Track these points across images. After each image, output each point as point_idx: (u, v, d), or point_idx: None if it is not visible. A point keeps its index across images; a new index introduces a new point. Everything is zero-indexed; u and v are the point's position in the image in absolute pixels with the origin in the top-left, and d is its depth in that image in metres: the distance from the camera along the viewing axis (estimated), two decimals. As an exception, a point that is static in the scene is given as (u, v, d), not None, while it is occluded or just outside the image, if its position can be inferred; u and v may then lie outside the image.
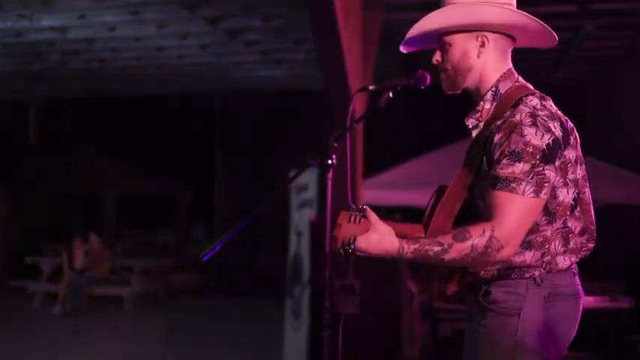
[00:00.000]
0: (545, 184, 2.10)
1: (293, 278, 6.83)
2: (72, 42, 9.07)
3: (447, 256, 2.09)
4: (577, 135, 2.24)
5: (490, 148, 2.15)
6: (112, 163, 15.44)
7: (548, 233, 2.17)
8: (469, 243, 2.08)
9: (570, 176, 2.17)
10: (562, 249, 2.19)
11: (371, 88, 2.45)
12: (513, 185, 2.08)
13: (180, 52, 9.60)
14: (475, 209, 2.22)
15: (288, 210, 7.06)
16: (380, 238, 2.13)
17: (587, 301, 5.28)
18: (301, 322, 6.52)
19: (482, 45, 2.28)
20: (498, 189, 2.10)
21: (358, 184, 6.56)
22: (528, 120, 2.11)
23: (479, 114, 2.28)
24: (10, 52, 9.60)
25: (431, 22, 2.30)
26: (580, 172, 2.22)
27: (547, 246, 2.17)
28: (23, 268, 12.31)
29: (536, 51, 2.48)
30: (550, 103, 2.22)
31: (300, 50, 9.25)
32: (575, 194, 2.19)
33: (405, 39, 2.39)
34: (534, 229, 2.15)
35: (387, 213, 2.26)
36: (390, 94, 2.37)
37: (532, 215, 2.12)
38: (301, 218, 6.81)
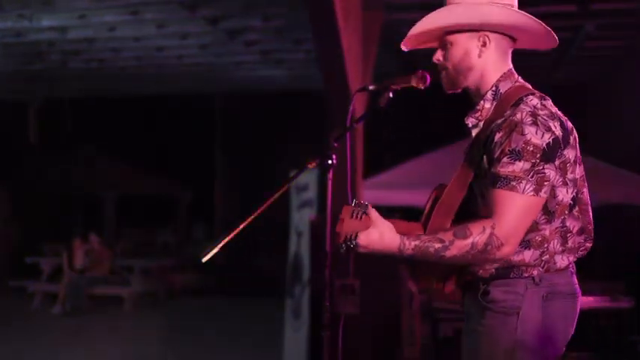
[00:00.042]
0: (545, 183, 2.11)
1: (293, 278, 6.83)
2: (72, 42, 9.07)
3: (448, 253, 2.10)
4: (576, 135, 2.25)
5: (491, 147, 2.16)
6: (112, 163, 15.44)
7: (547, 232, 2.18)
8: (470, 240, 2.09)
9: (569, 176, 2.19)
10: (560, 248, 2.20)
11: (371, 88, 2.46)
12: (514, 184, 2.09)
13: (180, 52, 9.60)
14: (474, 208, 2.23)
15: (289, 210, 7.06)
16: (381, 234, 2.14)
17: (587, 301, 5.28)
18: (301, 322, 6.52)
19: (484, 45, 2.29)
20: (499, 187, 2.11)
21: (358, 184, 6.56)
22: (529, 119, 2.12)
23: (479, 113, 2.30)
24: (10, 52, 9.60)
25: (433, 20, 2.31)
26: (579, 172, 2.24)
27: (546, 245, 2.18)
28: (23, 268, 12.31)
29: (536, 51, 2.48)
30: (550, 103, 2.23)
31: (300, 50, 9.25)
32: (573, 194, 2.21)
33: (407, 37, 2.40)
34: (533, 228, 2.16)
35: (387, 213, 2.25)
36: (390, 94, 2.38)
37: (532, 213, 2.13)
38: (301, 218, 6.81)
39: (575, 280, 2.26)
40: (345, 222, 2.14)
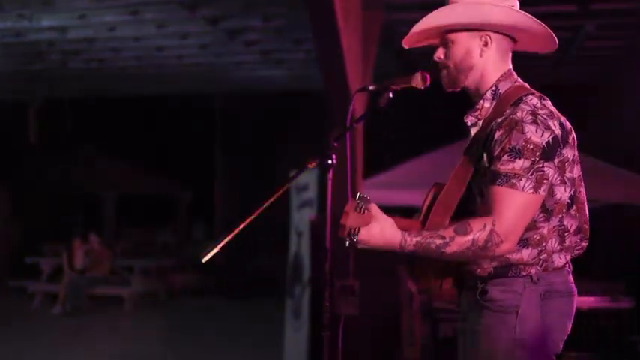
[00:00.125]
0: (545, 181, 2.13)
1: (293, 278, 6.83)
2: (72, 42, 9.07)
3: (449, 249, 2.11)
4: (575, 135, 2.27)
5: (490, 145, 2.18)
6: (112, 163, 15.43)
7: (545, 231, 2.19)
8: (470, 237, 2.10)
9: (568, 175, 2.20)
10: (558, 247, 2.21)
11: (371, 88, 2.46)
12: (513, 181, 2.11)
13: (180, 52, 9.60)
14: (472, 207, 2.24)
15: (289, 210, 7.06)
16: (382, 230, 2.14)
17: (587, 301, 5.28)
18: (301, 322, 6.53)
19: (485, 45, 2.31)
20: (498, 184, 2.13)
21: (358, 184, 6.56)
22: (529, 118, 2.14)
23: (478, 112, 2.32)
24: (10, 52, 9.60)
25: (434, 19, 2.33)
26: (576, 171, 2.26)
27: (544, 244, 2.19)
28: (23, 268, 12.32)
29: (536, 54, 2.49)
30: (549, 103, 2.25)
31: (300, 50, 9.25)
32: (571, 193, 2.23)
33: (409, 35, 2.41)
34: (531, 226, 2.17)
35: (387, 213, 2.25)
36: (390, 94, 2.38)
37: (531, 211, 2.15)
38: (301, 218, 6.82)
39: (572, 279, 2.27)
40: (350, 215, 2.14)
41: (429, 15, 2.33)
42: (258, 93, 12.63)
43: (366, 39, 6.74)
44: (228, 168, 14.37)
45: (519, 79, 2.33)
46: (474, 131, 2.32)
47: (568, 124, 2.25)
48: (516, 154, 2.11)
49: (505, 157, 2.12)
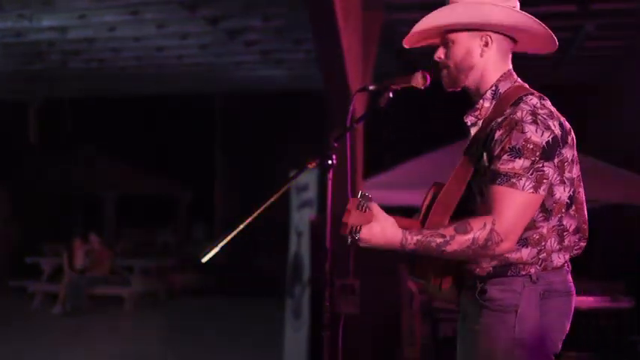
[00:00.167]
0: (544, 181, 2.14)
1: (293, 278, 6.83)
2: (72, 42, 9.07)
3: (449, 248, 2.11)
4: (574, 135, 2.28)
5: (491, 145, 2.18)
6: (112, 163, 15.43)
7: (544, 230, 2.20)
8: (470, 236, 2.10)
9: (567, 175, 2.21)
10: (557, 246, 2.22)
11: (371, 88, 2.46)
12: (513, 180, 2.12)
13: (181, 52, 9.61)
14: (472, 206, 2.25)
15: (289, 210, 7.06)
16: (382, 229, 2.14)
17: (587, 301, 5.28)
18: (301, 322, 6.53)
19: (486, 45, 2.32)
20: (498, 184, 2.13)
21: (358, 184, 6.56)
22: (529, 118, 2.15)
23: (477, 112, 2.32)
24: (10, 52, 9.61)
25: (435, 19, 2.33)
26: (576, 171, 2.26)
27: (543, 243, 2.20)
28: (23, 268, 12.32)
29: (535, 54, 2.50)
30: (549, 103, 2.26)
31: (300, 50, 9.25)
32: (570, 192, 2.23)
33: (409, 34, 2.42)
34: (531, 226, 2.18)
35: (387, 212, 2.25)
36: (390, 94, 2.38)
37: (531, 210, 2.15)
38: (301, 218, 6.82)
39: (570, 279, 2.28)
40: (352, 213, 2.14)
41: (429, 15, 2.34)
42: (258, 93, 12.64)
43: (366, 39, 6.74)
44: (228, 168, 14.37)
45: (519, 79, 2.34)
46: (473, 131, 2.33)
47: (567, 125, 2.26)
48: (516, 153, 2.12)
49: (505, 157, 2.13)
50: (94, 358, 7.77)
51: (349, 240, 2.15)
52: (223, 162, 14.48)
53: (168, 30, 8.42)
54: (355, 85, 6.16)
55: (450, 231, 2.12)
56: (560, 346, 2.26)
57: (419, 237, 2.13)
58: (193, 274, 12.96)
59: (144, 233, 15.33)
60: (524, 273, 2.19)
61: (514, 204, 2.11)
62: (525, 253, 2.19)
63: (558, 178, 2.18)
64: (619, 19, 7.69)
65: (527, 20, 2.28)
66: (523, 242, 2.18)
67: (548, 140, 2.13)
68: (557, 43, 2.36)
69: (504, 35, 2.33)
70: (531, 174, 2.12)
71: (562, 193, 2.20)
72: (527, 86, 2.32)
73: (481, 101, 2.31)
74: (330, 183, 2.35)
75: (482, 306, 2.22)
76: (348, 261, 2.32)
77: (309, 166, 2.35)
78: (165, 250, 14.94)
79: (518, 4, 2.33)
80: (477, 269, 2.24)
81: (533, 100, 2.21)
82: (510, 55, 2.37)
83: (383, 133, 11.64)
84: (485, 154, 2.20)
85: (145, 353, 7.92)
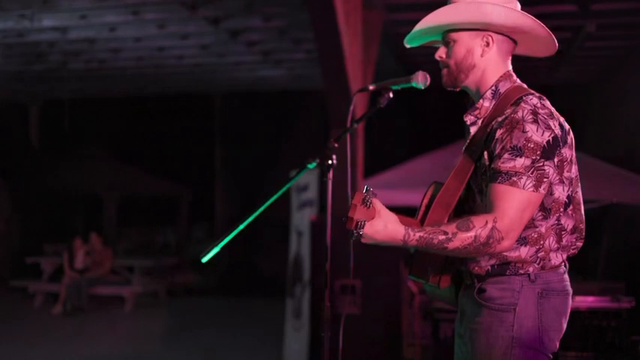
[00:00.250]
0: (545, 180, 2.15)
1: (293, 278, 6.83)
2: (72, 42, 9.08)
3: (451, 245, 2.12)
4: (573, 136, 2.30)
5: (491, 144, 2.20)
6: (112, 163, 15.43)
7: (543, 229, 2.21)
8: (472, 233, 2.11)
9: (566, 174, 2.23)
10: (555, 245, 2.24)
11: (371, 88, 2.47)
12: (514, 179, 2.13)
13: (181, 52, 9.61)
14: (471, 205, 2.27)
15: (289, 210, 7.06)
16: (385, 225, 2.15)
17: (587, 301, 5.27)
18: (301, 322, 6.53)
19: (487, 45, 2.33)
20: (499, 182, 2.15)
21: (358, 184, 6.57)
22: (530, 117, 2.16)
23: (477, 111, 2.34)
24: (10, 52, 9.61)
25: (436, 18, 2.34)
26: (574, 171, 2.28)
27: (542, 242, 2.21)
28: (24, 268, 12.32)
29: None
30: (548, 103, 2.27)
31: (300, 50, 9.26)
32: (569, 192, 2.25)
33: (411, 33, 2.43)
34: (530, 225, 2.20)
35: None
36: (390, 94, 2.39)
37: (531, 209, 2.16)
38: (302, 218, 6.82)
39: (567, 278, 2.29)
40: (357, 208, 2.14)
41: (431, 13, 2.35)
42: (258, 93, 12.64)
43: (366, 39, 6.74)
44: (229, 168, 14.37)
45: (518, 80, 2.35)
46: (473, 130, 2.34)
47: (567, 125, 2.28)
48: (517, 152, 2.13)
49: (506, 156, 2.14)
50: (95, 358, 7.77)
51: (353, 235, 2.16)
52: (223, 162, 14.48)
53: (169, 30, 8.43)
54: (355, 85, 6.17)
55: (452, 228, 2.13)
56: (557, 345, 2.27)
57: (421, 234, 2.14)
58: (193, 274, 12.96)
59: (144, 233, 15.32)
60: (522, 272, 2.21)
61: (515, 202, 2.12)
62: (524, 251, 2.20)
63: (558, 178, 2.20)
64: (619, 19, 7.70)
65: (528, 21, 2.29)
66: (522, 241, 2.20)
67: (549, 140, 2.15)
68: (557, 45, 2.37)
69: (505, 36, 2.34)
70: (532, 173, 2.13)
71: (561, 193, 2.21)
72: (527, 86, 2.33)
73: (481, 101, 2.33)
74: (330, 183, 2.35)
75: (481, 305, 2.24)
76: (348, 261, 2.32)
77: (309, 166, 2.36)
78: (165, 250, 14.94)
79: (519, 5, 2.34)
80: (476, 268, 2.25)
81: (534, 100, 2.22)
82: (510, 57, 2.38)
83: (383, 134, 11.65)
84: (485, 153, 2.22)
85: (145, 353, 7.92)
